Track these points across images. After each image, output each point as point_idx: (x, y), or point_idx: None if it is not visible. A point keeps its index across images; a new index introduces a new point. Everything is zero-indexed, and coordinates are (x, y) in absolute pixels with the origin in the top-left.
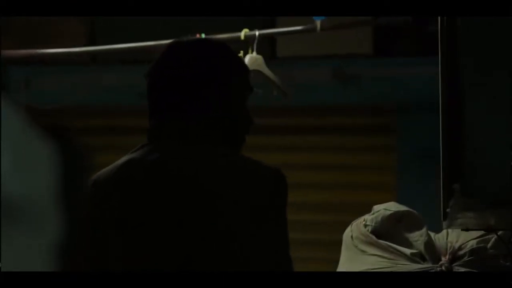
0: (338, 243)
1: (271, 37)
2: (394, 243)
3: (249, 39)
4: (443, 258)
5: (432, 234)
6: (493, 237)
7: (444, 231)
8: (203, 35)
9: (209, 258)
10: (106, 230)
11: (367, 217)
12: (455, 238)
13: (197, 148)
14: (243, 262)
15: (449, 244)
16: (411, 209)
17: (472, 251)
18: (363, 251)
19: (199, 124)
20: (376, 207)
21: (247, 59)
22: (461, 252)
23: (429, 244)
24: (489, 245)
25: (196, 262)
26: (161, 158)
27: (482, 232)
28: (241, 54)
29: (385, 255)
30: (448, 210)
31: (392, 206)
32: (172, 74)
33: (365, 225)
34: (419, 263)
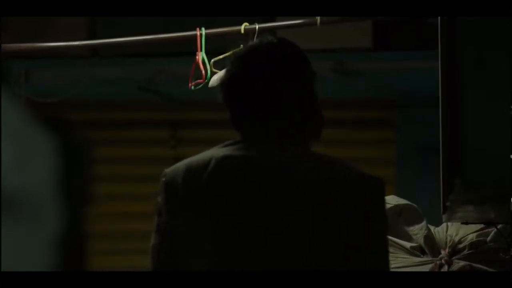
0: None
1: (271, 31)
2: (394, 236)
3: (249, 33)
4: (442, 252)
5: (432, 227)
6: (492, 231)
7: (444, 225)
8: (203, 29)
9: (294, 258)
10: (202, 220)
11: None
12: (455, 231)
13: (288, 147)
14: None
15: (448, 238)
16: (411, 203)
17: (472, 245)
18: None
19: (287, 124)
20: None
21: None
22: (461, 246)
23: (429, 237)
24: (488, 238)
25: (283, 261)
26: (258, 156)
27: (481, 226)
28: (241, 47)
29: None
30: (448, 203)
31: (392, 200)
32: (248, 79)
33: None
34: (419, 256)
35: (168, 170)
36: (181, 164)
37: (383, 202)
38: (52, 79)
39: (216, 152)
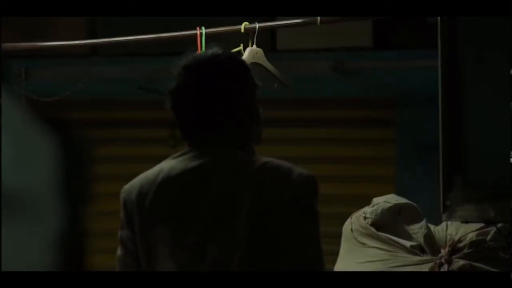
0: (337, 235)
1: (271, 30)
2: (393, 235)
3: (249, 32)
4: (442, 251)
5: (431, 226)
6: (492, 230)
7: (444, 224)
8: (203, 28)
9: (244, 258)
10: (159, 229)
11: (367, 209)
12: (455, 230)
13: (229, 152)
14: (274, 261)
15: (448, 237)
16: (410, 202)
17: (472, 244)
18: (362, 244)
19: (228, 132)
20: (376, 200)
21: (247, 52)
22: (461, 245)
23: (429, 236)
24: (488, 237)
25: (232, 262)
26: (202, 164)
27: (481, 225)
28: (241, 47)
29: (385, 247)
30: (447, 202)
31: (391, 199)
32: (195, 90)
33: (365, 218)
34: (418, 255)
35: (126, 186)
36: (136, 180)
37: (315, 196)
38: (52, 78)
39: (165, 164)
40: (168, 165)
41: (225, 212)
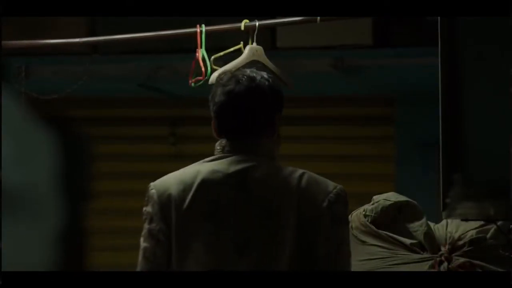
0: None
1: (271, 28)
2: (393, 233)
3: (249, 30)
4: (442, 248)
5: (432, 224)
6: (492, 227)
7: (444, 221)
8: (203, 26)
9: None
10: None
11: (367, 207)
12: (455, 228)
13: (265, 160)
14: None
15: (448, 234)
16: (411, 200)
17: (472, 241)
18: (363, 241)
19: (263, 142)
20: (376, 197)
21: (247, 50)
22: (461, 242)
23: (429, 234)
24: (488, 235)
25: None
26: (241, 170)
27: (482, 222)
28: (241, 44)
29: (385, 245)
30: (447, 200)
31: (392, 197)
32: (239, 103)
33: (365, 215)
34: (418, 253)
35: (156, 182)
36: (168, 178)
37: (347, 207)
38: (52, 76)
39: (200, 167)
40: (205, 167)
41: (265, 216)
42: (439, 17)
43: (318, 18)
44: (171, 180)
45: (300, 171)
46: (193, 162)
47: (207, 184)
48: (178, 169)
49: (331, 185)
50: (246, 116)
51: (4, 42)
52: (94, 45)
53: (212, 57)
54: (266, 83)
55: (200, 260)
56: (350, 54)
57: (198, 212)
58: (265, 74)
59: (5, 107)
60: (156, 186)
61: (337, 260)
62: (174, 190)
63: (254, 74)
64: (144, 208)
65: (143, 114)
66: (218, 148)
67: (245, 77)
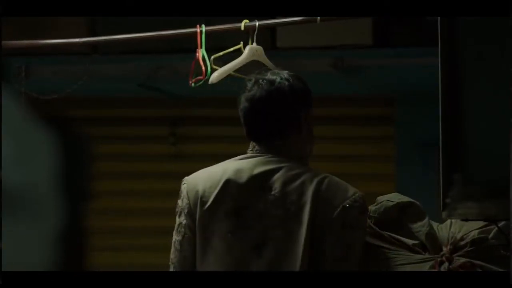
0: None
1: (271, 28)
2: (396, 234)
3: (249, 30)
4: (444, 249)
5: (435, 224)
6: (495, 228)
7: (448, 222)
8: (203, 26)
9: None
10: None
11: (370, 208)
12: (458, 228)
13: (289, 162)
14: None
15: (451, 235)
16: (413, 200)
17: (473, 242)
18: (366, 242)
19: (290, 143)
20: (379, 198)
21: (247, 50)
22: (463, 243)
23: (431, 234)
24: (490, 235)
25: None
26: (271, 170)
27: (485, 223)
28: (241, 45)
29: (388, 245)
30: (447, 200)
31: (394, 197)
32: (257, 109)
33: (368, 217)
34: (420, 253)
35: (189, 177)
36: (199, 174)
37: (365, 213)
38: (52, 76)
39: (228, 165)
40: (232, 166)
41: (283, 218)
42: (439, 17)
43: (318, 18)
44: (201, 176)
45: (322, 174)
46: (193, 162)
47: (231, 183)
48: (178, 169)
49: (350, 191)
50: (268, 119)
51: (4, 42)
52: (94, 45)
53: (212, 57)
54: (286, 83)
55: (219, 257)
56: (350, 54)
57: (221, 209)
58: (285, 74)
59: (5, 107)
60: (188, 181)
61: (343, 265)
62: (201, 186)
63: (274, 77)
64: (177, 202)
65: (143, 114)
66: (250, 149)
67: (265, 81)
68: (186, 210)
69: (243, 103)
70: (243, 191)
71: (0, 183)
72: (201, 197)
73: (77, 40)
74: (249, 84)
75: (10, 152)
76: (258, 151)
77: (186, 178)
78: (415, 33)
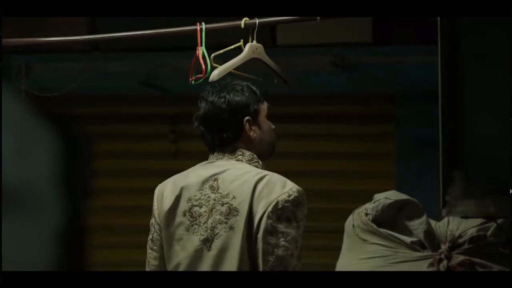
0: (337, 231)
1: (271, 26)
2: (394, 231)
3: (249, 28)
4: (442, 246)
5: (433, 222)
6: (493, 225)
7: (446, 219)
8: (203, 24)
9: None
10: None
11: (368, 206)
12: (456, 226)
13: (234, 164)
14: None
15: (449, 232)
16: (411, 198)
17: (472, 239)
18: (364, 240)
19: (237, 148)
20: (377, 196)
21: (247, 48)
22: (461, 240)
23: (429, 232)
24: (488, 233)
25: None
26: (215, 172)
27: (483, 220)
28: (241, 42)
29: (386, 243)
30: (447, 197)
31: (392, 195)
32: (202, 126)
33: (366, 214)
34: (419, 251)
35: (161, 183)
36: (169, 179)
37: (297, 207)
38: (52, 74)
39: (192, 169)
40: (192, 171)
41: (226, 215)
42: (439, 17)
43: (318, 17)
44: (168, 182)
45: (264, 173)
46: (192, 160)
47: (188, 186)
48: (177, 166)
49: (287, 187)
50: (213, 132)
51: (4, 40)
52: (94, 43)
53: (212, 54)
54: (222, 100)
55: (179, 251)
56: (350, 52)
57: (179, 210)
58: (224, 91)
59: (6, 105)
60: (159, 186)
61: (276, 254)
62: (166, 191)
63: (213, 97)
64: None
65: (143, 111)
66: (209, 157)
67: (204, 101)
68: (155, 213)
69: (194, 123)
70: (196, 192)
71: (0, 181)
72: (165, 200)
73: (77, 37)
74: (199, 104)
75: (11, 150)
76: (213, 157)
77: (159, 184)
78: (415, 31)
